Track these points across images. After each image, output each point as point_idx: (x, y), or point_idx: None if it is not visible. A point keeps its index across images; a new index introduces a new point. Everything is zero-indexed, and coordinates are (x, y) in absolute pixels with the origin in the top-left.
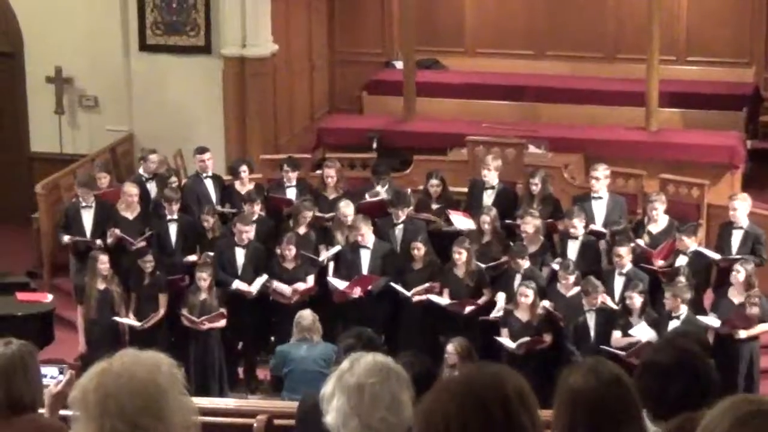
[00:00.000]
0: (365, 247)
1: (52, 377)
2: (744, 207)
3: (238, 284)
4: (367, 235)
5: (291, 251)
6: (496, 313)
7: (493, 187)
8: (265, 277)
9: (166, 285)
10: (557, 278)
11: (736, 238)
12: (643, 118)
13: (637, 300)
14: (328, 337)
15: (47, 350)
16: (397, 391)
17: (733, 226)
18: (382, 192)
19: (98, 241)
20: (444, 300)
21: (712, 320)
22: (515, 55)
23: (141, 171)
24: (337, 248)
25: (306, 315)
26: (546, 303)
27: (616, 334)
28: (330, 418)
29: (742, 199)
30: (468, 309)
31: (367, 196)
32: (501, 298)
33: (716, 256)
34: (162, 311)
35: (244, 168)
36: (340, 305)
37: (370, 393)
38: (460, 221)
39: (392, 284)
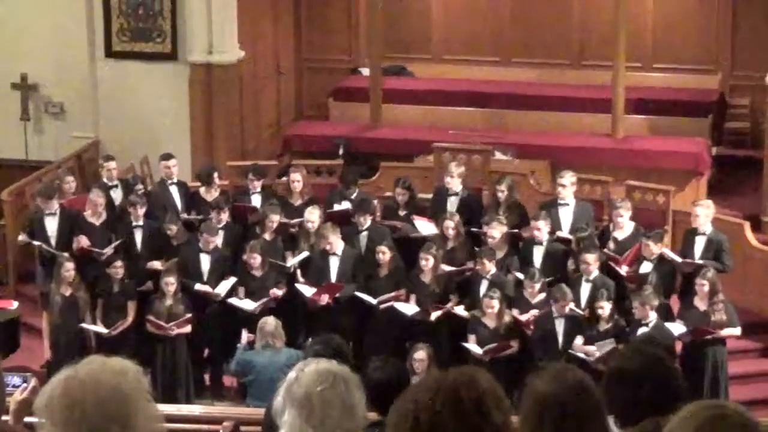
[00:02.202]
0: (334, 254)
1: (14, 386)
2: (706, 213)
3: (200, 286)
4: (335, 243)
5: (256, 259)
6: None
7: (456, 194)
8: (232, 279)
9: (134, 292)
10: (523, 285)
11: (699, 244)
12: (609, 124)
13: (606, 308)
14: (295, 345)
15: (13, 357)
16: (347, 395)
17: (697, 232)
18: (355, 199)
19: (65, 254)
20: (409, 308)
21: (678, 327)
22: (482, 62)
23: (104, 179)
24: (304, 254)
25: (269, 321)
26: (514, 312)
27: (578, 340)
28: None
29: (704, 205)
30: (434, 315)
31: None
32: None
33: (678, 259)
34: (130, 319)
35: (216, 174)
36: (307, 313)
37: (319, 401)
38: (424, 227)
39: (358, 293)
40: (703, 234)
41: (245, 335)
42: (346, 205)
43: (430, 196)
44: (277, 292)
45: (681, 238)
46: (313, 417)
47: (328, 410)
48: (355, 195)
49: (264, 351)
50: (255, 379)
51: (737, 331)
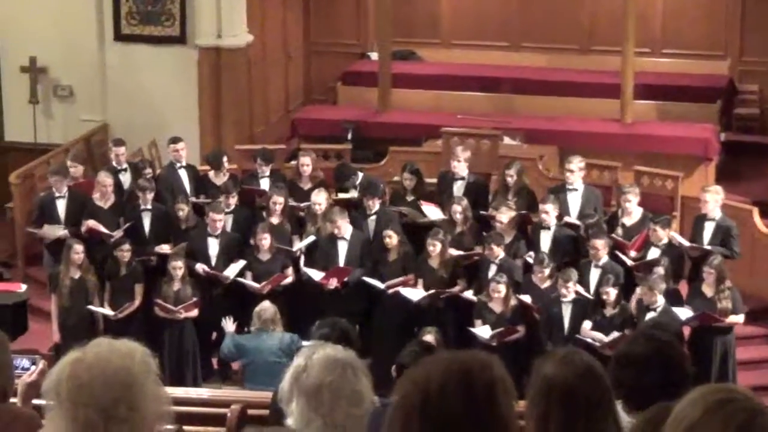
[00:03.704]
0: (342, 238)
1: (23, 368)
2: (714, 199)
3: (200, 266)
4: (343, 226)
5: (266, 240)
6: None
7: (462, 179)
8: (242, 262)
9: (142, 276)
10: (532, 270)
11: (708, 230)
12: (618, 110)
13: (612, 293)
14: (301, 328)
15: (21, 340)
16: (356, 383)
17: (706, 218)
18: (353, 191)
19: (65, 231)
20: (415, 294)
21: (685, 312)
22: (491, 47)
23: (113, 163)
24: (311, 238)
25: (267, 306)
26: (526, 298)
27: (586, 325)
28: (291, 420)
29: (713, 191)
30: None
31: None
32: (469, 294)
33: (686, 243)
34: (137, 302)
35: (226, 158)
36: (314, 298)
37: (329, 392)
38: (431, 211)
39: (366, 278)
40: (713, 220)
41: (230, 323)
42: (352, 193)
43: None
44: (288, 273)
45: (689, 224)
46: (322, 407)
47: (338, 400)
48: (359, 180)
49: (258, 335)
50: (250, 362)
51: (740, 318)
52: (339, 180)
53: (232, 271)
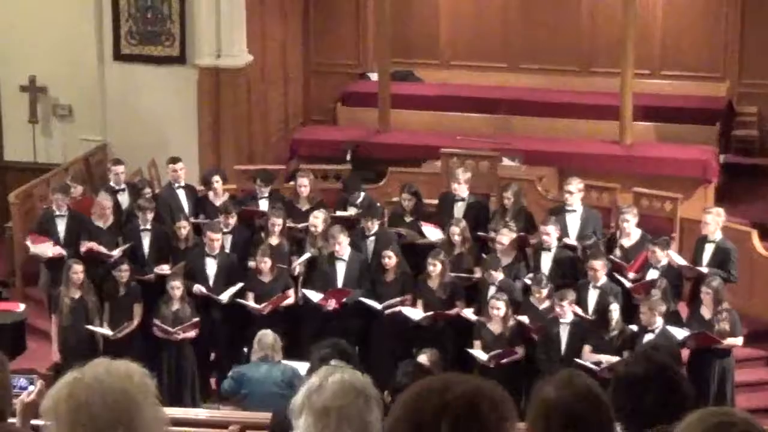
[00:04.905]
0: (341, 259)
1: (21, 388)
2: (716, 221)
3: (198, 288)
4: (343, 245)
5: (266, 263)
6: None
7: (463, 200)
8: (239, 285)
9: (140, 295)
10: (530, 291)
11: (708, 252)
12: (617, 131)
13: (614, 314)
14: (302, 350)
15: (19, 360)
16: (365, 413)
17: (707, 239)
18: (355, 209)
19: (63, 251)
20: (415, 313)
21: (682, 332)
22: (490, 68)
23: (112, 182)
24: (306, 255)
25: (267, 333)
26: (524, 318)
27: (587, 348)
28: None
29: (714, 213)
30: (441, 319)
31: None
32: (469, 312)
33: (683, 262)
34: (136, 321)
35: (216, 178)
36: (312, 318)
37: (337, 416)
38: (431, 232)
39: (363, 299)
40: (713, 242)
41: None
42: (352, 211)
43: (436, 201)
44: (289, 294)
45: (688, 246)
46: (327, 429)
47: (343, 426)
48: (361, 199)
49: (260, 365)
50: (250, 393)
51: (739, 341)
52: (346, 190)
53: (226, 294)
